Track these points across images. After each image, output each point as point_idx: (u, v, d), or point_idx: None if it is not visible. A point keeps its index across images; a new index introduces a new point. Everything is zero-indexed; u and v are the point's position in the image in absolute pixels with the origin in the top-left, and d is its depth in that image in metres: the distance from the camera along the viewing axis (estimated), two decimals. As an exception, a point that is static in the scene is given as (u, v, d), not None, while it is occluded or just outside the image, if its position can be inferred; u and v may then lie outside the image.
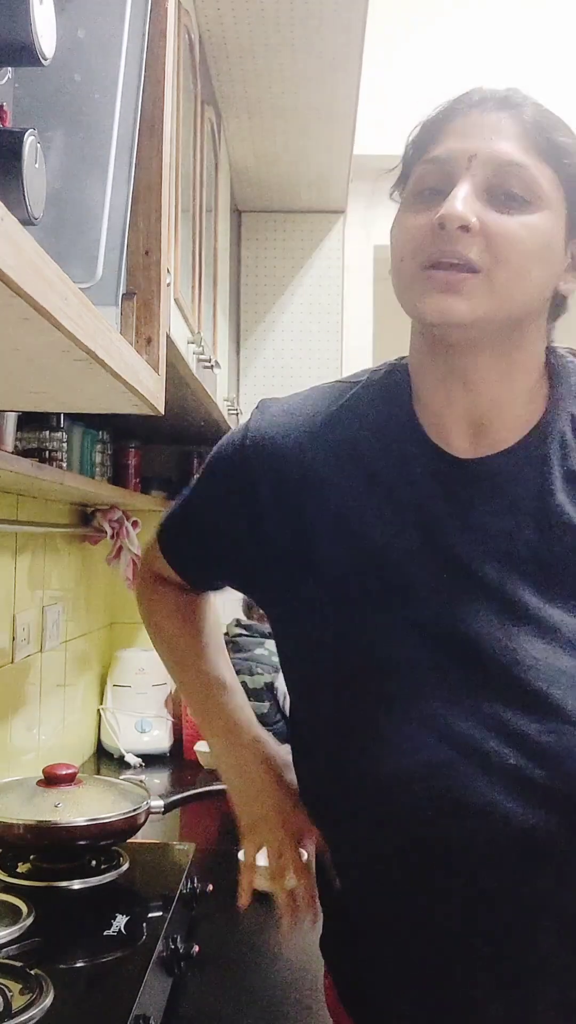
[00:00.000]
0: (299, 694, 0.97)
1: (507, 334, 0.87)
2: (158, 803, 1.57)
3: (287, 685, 0.99)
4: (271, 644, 2.45)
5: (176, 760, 2.68)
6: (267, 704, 2.43)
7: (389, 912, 0.89)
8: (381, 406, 0.94)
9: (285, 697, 2.42)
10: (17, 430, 1.65)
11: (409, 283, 0.86)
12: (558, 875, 0.82)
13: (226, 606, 3.00)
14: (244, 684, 2.27)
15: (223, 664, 1.14)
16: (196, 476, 1.08)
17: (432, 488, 0.89)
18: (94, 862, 1.48)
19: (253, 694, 2.41)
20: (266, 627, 2.48)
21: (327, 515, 0.92)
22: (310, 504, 0.92)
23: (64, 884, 1.41)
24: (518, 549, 0.86)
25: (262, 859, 1.66)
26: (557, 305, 0.91)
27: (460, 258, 0.82)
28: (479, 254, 0.82)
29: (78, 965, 1.22)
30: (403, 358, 0.98)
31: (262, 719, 1.95)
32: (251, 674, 2.45)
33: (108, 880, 1.44)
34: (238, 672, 1.52)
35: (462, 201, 0.82)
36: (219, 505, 1.01)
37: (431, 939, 0.86)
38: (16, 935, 1.19)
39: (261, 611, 2.38)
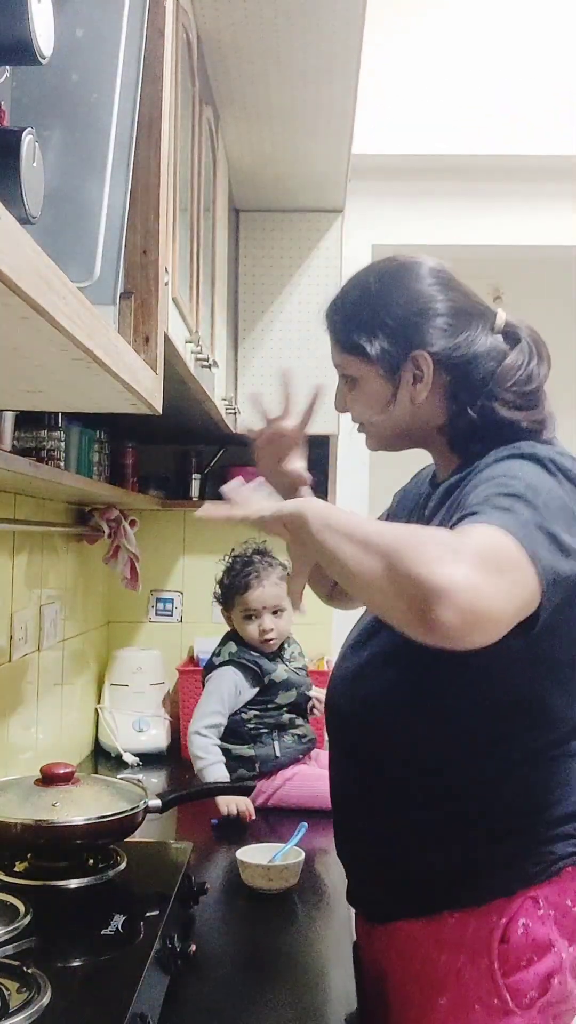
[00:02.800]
0: None
1: (416, 441, 1.38)
2: (155, 802, 1.57)
3: None
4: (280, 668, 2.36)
5: (173, 759, 2.68)
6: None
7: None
8: None
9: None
10: (15, 429, 1.65)
11: None
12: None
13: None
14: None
15: None
16: None
17: (422, 502, 1.41)
18: (91, 861, 1.48)
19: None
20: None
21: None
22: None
23: (61, 883, 1.41)
24: None
25: (259, 858, 1.67)
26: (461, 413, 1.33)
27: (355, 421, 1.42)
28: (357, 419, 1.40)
29: (75, 964, 1.22)
30: None
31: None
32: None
33: (105, 879, 1.43)
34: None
35: (339, 398, 1.41)
36: None
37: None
38: (13, 934, 1.19)
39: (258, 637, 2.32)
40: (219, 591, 2.40)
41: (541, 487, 1.13)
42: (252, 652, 2.33)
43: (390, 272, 1.34)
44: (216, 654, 2.37)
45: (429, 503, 1.38)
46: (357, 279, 1.37)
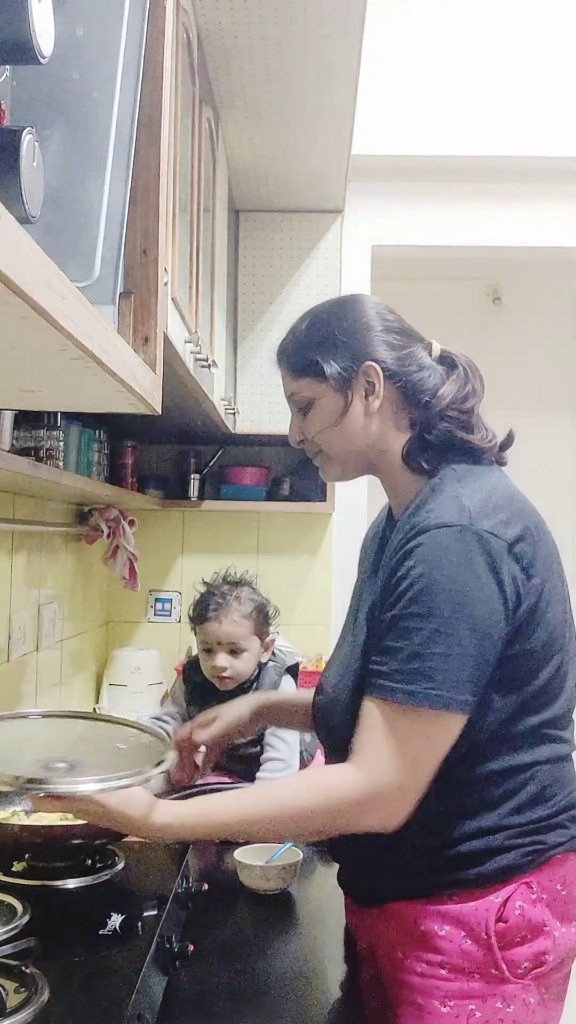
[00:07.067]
0: None
1: (370, 465, 1.41)
2: (154, 802, 1.57)
3: None
4: None
5: (172, 759, 2.68)
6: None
7: None
8: None
9: None
10: (14, 429, 1.65)
11: None
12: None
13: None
14: None
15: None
16: None
17: (380, 536, 1.46)
18: (89, 861, 1.48)
19: None
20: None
21: None
22: None
23: (59, 883, 1.41)
24: (378, 577, 1.36)
25: (256, 858, 1.67)
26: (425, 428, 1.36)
27: (311, 453, 1.44)
28: (315, 444, 1.41)
29: (73, 964, 1.22)
30: None
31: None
32: None
33: (103, 879, 1.44)
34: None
35: (294, 429, 1.43)
36: None
37: None
38: (11, 934, 1.19)
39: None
40: (191, 613, 2.25)
41: (458, 589, 1.21)
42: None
43: (336, 302, 1.46)
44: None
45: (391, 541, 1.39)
46: (305, 315, 1.45)
